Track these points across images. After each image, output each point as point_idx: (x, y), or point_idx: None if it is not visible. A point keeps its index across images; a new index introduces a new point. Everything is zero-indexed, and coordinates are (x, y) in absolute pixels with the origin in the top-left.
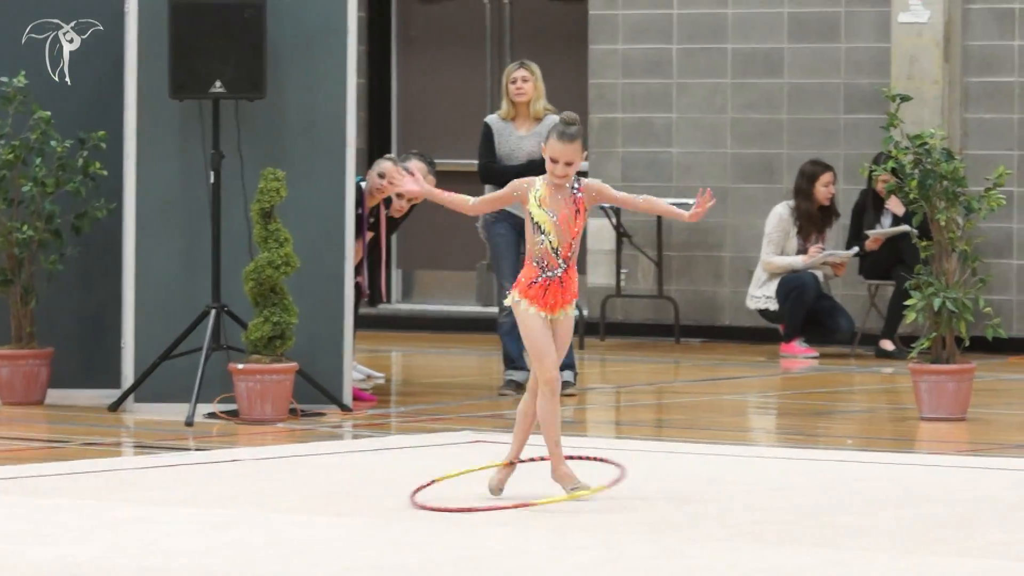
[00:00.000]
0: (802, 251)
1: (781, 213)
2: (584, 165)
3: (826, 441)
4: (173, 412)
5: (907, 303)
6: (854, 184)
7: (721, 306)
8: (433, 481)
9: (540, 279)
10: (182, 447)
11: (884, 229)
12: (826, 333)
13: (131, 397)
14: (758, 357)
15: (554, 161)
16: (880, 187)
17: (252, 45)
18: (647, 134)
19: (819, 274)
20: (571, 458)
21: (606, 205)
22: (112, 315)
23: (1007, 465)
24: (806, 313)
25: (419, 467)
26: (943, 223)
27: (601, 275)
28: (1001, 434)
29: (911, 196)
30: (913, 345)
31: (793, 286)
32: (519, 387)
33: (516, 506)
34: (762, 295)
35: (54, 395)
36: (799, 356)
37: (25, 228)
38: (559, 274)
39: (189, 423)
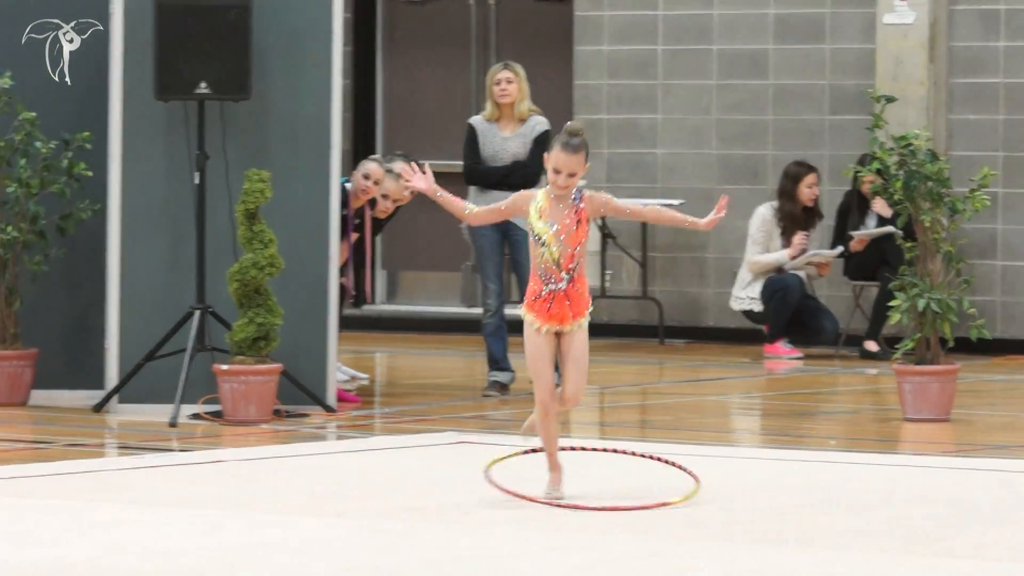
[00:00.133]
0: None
1: (764, 214)
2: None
3: (810, 442)
4: (157, 413)
5: (891, 304)
6: (839, 185)
7: (705, 307)
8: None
9: (544, 292)
10: (166, 448)
11: (869, 230)
12: (810, 334)
13: (115, 398)
14: (742, 358)
15: (556, 171)
16: (865, 188)
17: (237, 46)
18: (632, 135)
19: (802, 274)
20: (647, 457)
21: None
22: (96, 316)
23: (991, 466)
24: (790, 314)
25: (403, 468)
26: (928, 224)
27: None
28: (985, 435)
29: (896, 197)
30: (897, 346)
31: (777, 287)
32: (503, 388)
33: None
34: (746, 296)
35: (38, 396)
36: (783, 357)
37: (9, 229)
38: (563, 287)
39: (173, 424)
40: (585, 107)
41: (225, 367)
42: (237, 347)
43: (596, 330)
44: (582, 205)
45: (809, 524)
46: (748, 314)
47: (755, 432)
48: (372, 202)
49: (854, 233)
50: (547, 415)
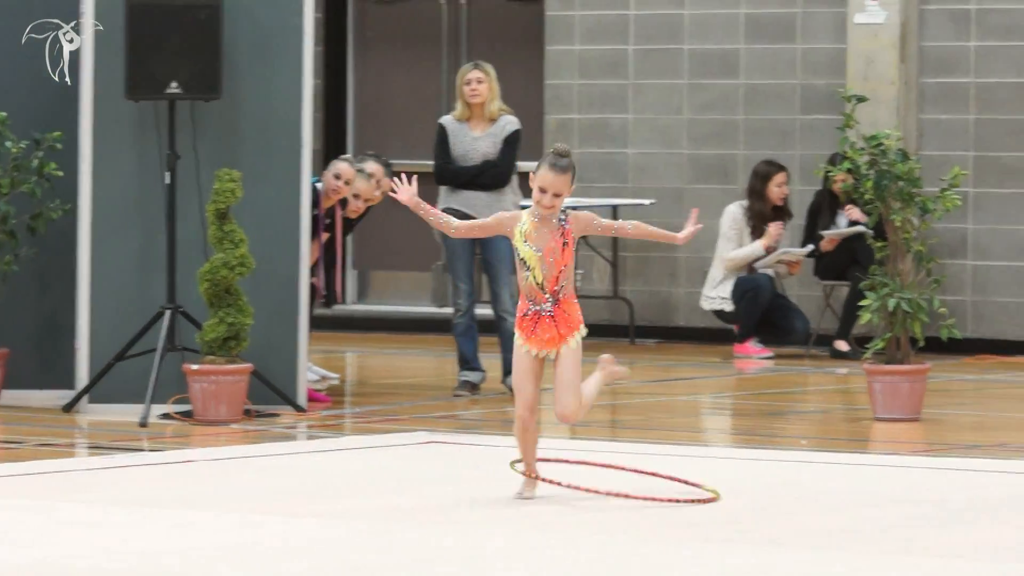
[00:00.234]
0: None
1: (734, 213)
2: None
3: (781, 442)
4: (127, 413)
5: (862, 303)
6: (810, 185)
7: (676, 307)
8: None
9: (530, 312)
10: (136, 448)
11: (839, 229)
12: (781, 334)
13: (85, 398)
14: (713, 358)
15: (543, 191)
16: (837, 187)
17: (208, 46)
18: (603, 135)
19: (771, 272)
20: (661, 476)
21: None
22: (67, 316)
23: (960, 465)
24: (761, 314)
25: (374, 468)
26: (898, 224)
27: None
28: (954, 434)
29: (866, 197)
30: (868, 346)
31: (748, 287)
32: (473, 388)
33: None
34: (717, 296)
35: (8, 396)
36: (753, 356)
37: None
38: (548, 309)
39: (143, 424)
40: (556, 107)
41: (195, 367)
42: (207, 347)
43: None
44: (568, 226)
45: (779, 523)
46: (719, 314)
47: (726, 432)
48: (343, 202)
49: (825, 233)
50: (524, 429)
